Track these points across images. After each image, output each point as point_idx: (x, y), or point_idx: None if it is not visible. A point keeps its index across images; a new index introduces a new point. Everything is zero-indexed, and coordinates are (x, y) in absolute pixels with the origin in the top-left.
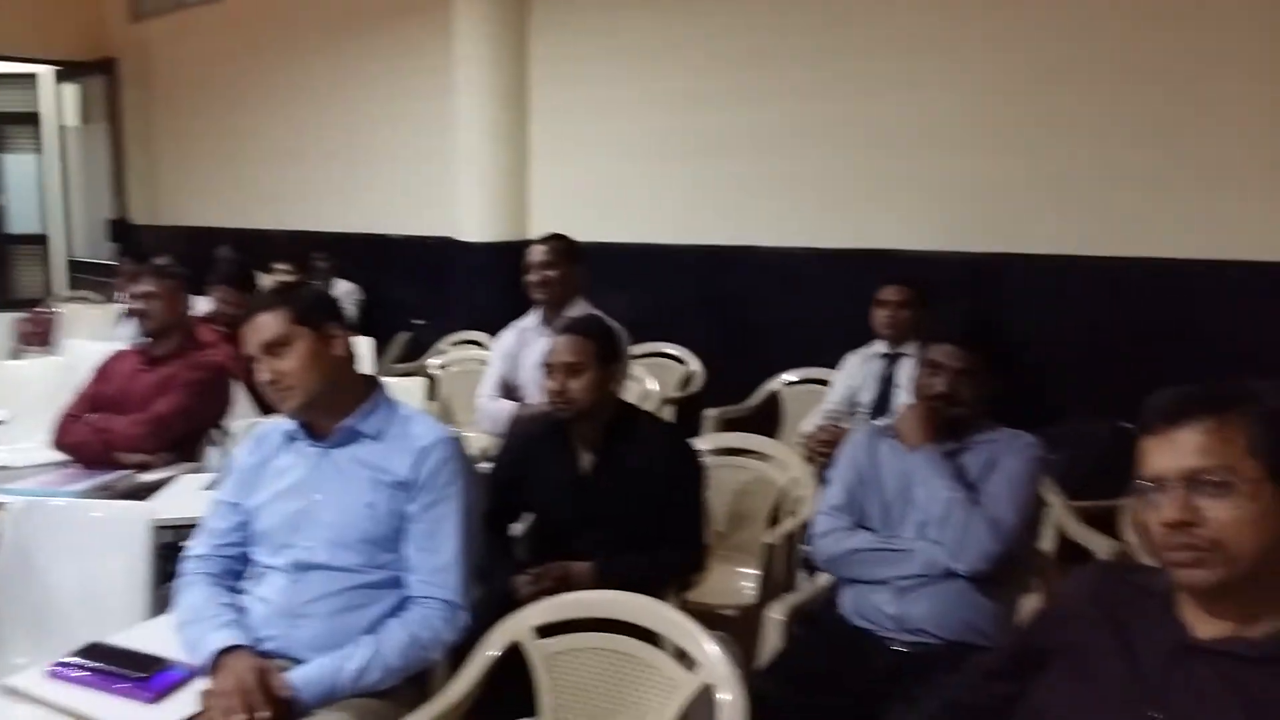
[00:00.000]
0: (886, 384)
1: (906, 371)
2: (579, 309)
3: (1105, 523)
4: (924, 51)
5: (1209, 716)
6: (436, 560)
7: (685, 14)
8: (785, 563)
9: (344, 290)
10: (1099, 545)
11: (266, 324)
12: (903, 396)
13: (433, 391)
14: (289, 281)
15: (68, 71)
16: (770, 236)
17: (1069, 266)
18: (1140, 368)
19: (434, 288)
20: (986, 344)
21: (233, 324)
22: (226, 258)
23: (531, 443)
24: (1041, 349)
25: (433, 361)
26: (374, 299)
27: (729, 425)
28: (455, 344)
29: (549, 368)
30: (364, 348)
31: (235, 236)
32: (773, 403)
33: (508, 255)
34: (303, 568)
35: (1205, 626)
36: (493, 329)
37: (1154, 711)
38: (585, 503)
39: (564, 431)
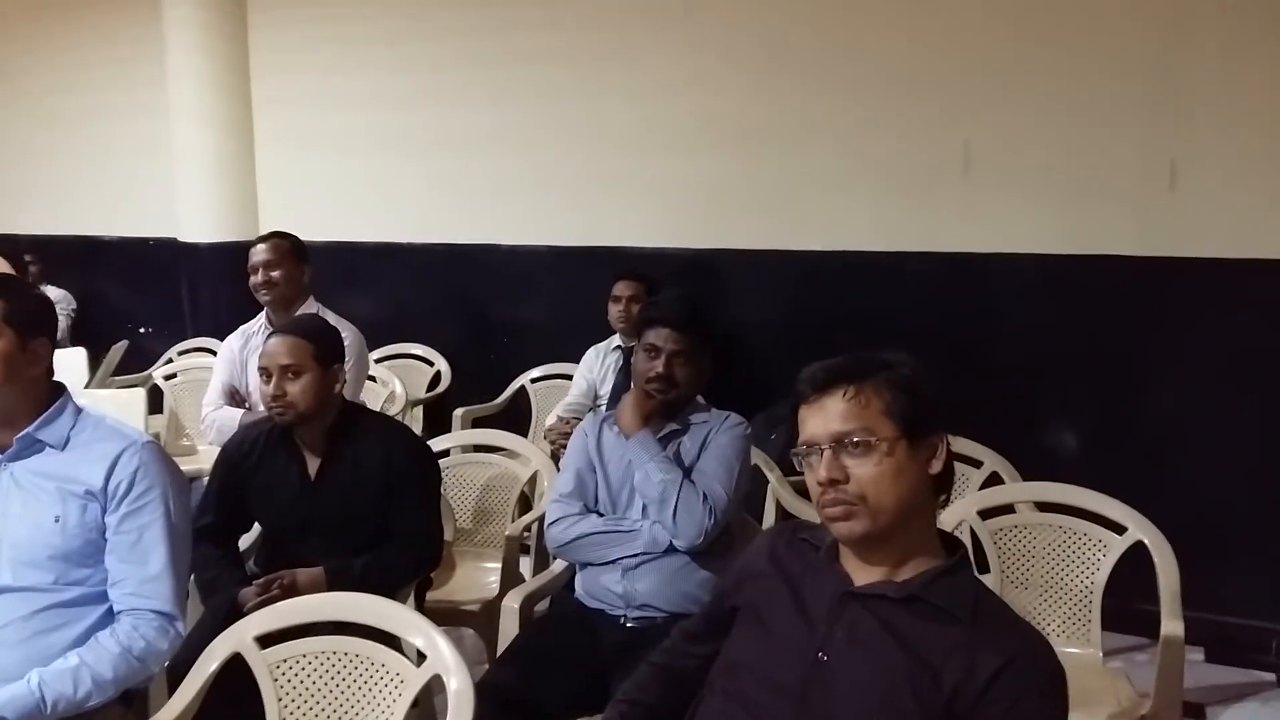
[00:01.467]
0: (624, 376)
1: None
2: (309, 310)
3: None
4: (647, 58)
5: (866, 653)
6: (144, 571)
7: (414, 7)
8: (539, 554)
9: (54, 298)
10: (812, 515)
11: None
12: None
13: (159, 404)
14: (8, 274)
15: None
16: (509, 235)
17: (776, 260)
18: (841, 350)
19: (158, 293)
20: (699, 326)
21: None
22: None
23: (252, 450)
24: (759, 337)
25: (158, 372)
26: (89, 306)
27: (480, 423)
28: (184, 352)
29: (264, 372)
30: (75, 360)
31: None
32: (521, 399)
33: (236, 255)
34: None
35: (862, 575)
36: (225, 335)
37: (822, 654)
38: (313, 508)
39: (287, 436)
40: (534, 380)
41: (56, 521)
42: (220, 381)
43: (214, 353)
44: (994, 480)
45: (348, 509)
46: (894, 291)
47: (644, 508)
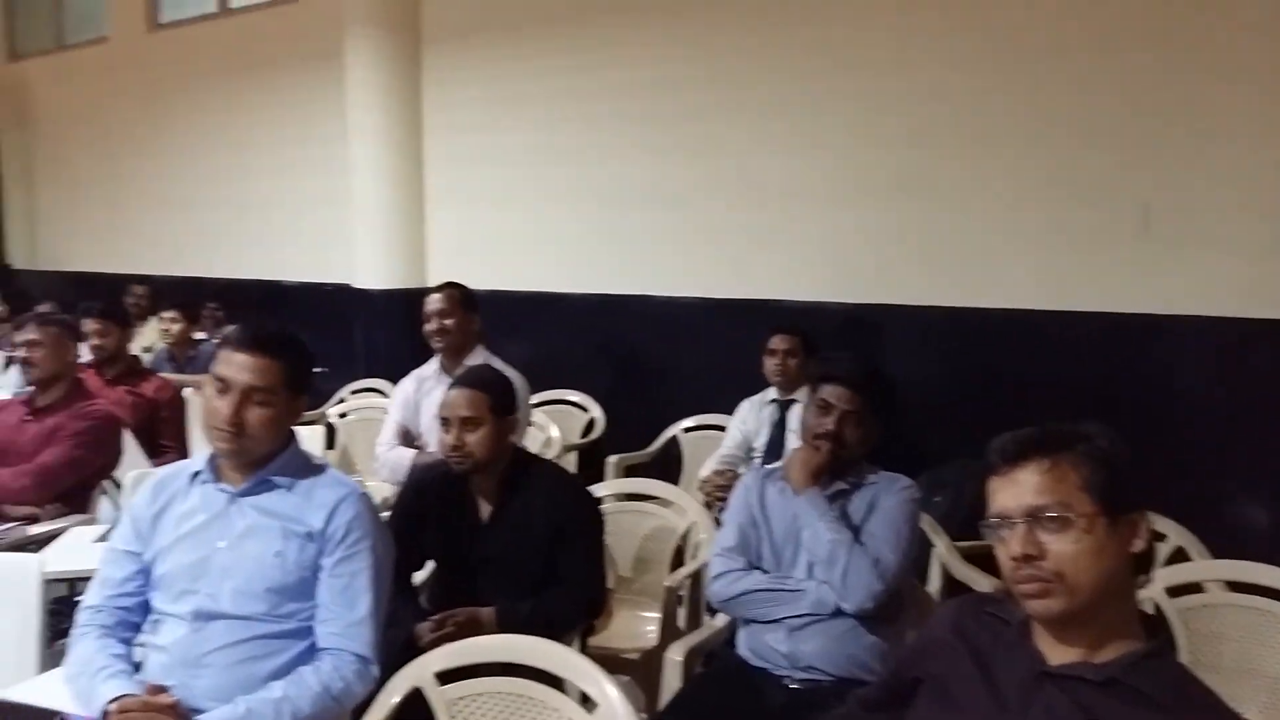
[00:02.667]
0: (779, 429)
1: (798, 417)
2: (478, 357)
3: (987, 561)
4: (803, 111)
5: None
6: (351, 615)
7: (576, 67)
8: (692, 605)
9: None
10: (981, 583)
11: (260, 369)
12: (795, 441)
13: (331, 440)
14: (281, 333)
15: None
16: (664, 286)
17: (936, 317)
18: (1010, 410)
19: (332, 335)
20: (875, 387)
21: (108, 361)
22: (141, 300)
23: (429, 492)
24: (918, 395)
25: (332, 410)
26: None
27: (631, 471)
28: (355, 392)
29: (445, 421)
30: None
31: (121, 283)
32: (673, 448)
33: (406, 302)
34: (204, 616)
35: (1057, 654)
36: (394, 376)
37: None
38: (485, 550)
39: (461, 481)
40: (686, 430)
41: (276, 556)
42: (394, 422)
43: (383, 393)
44: (1180, 556)
45: (516, 553)
46: (1062, 352)
47: (809, 566)
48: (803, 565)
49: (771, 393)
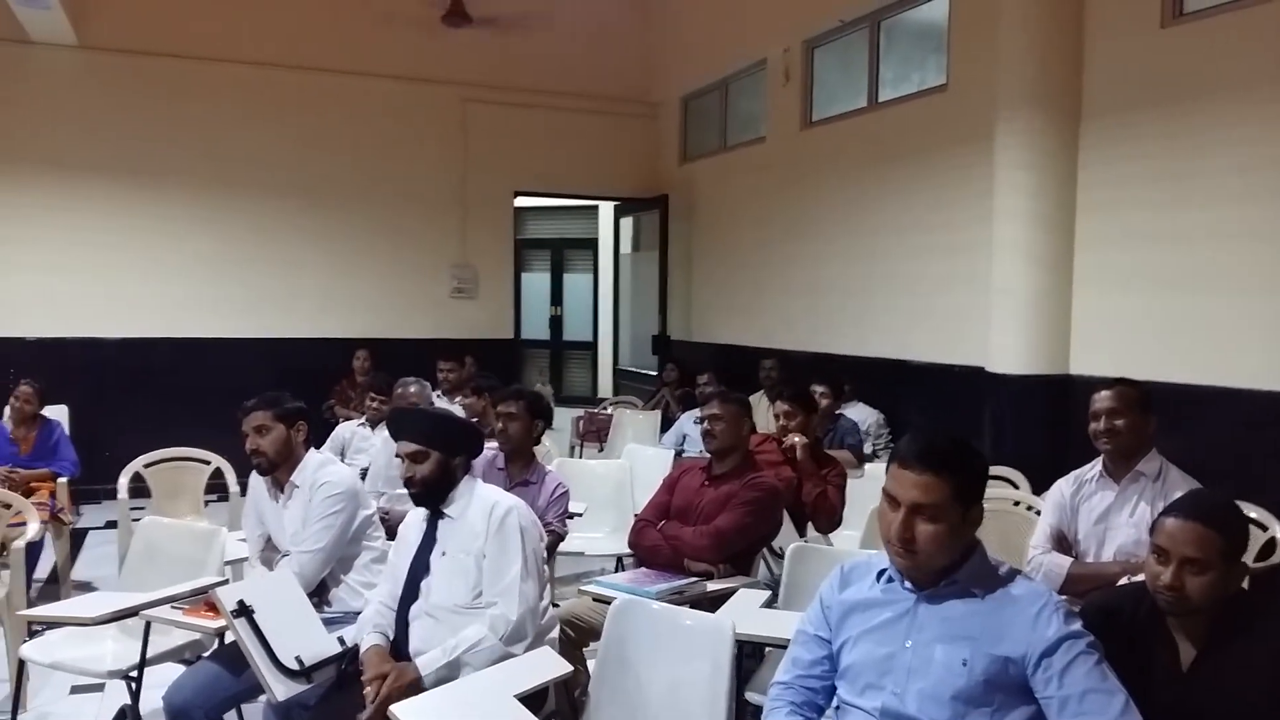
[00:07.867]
0: None
1: None
2: (1152, 463)
3: None
4: None
5: None
6: (1111, 710)
7: (1257, 134)
8: None
9: (864, 414)
10: None
11: (925, 486)
12: None
13: None
14: (950, 447)
15: (625, 206)
16: None
17: None
18: None
19: (958, 417)
20: None
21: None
22: (771, 373)
23: (1115, 619)
24: None
25: None
26: (894, 424)
27: None
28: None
29: (1161, 552)
30: None
31: (756, 355)
32: None
33: (1045, 389)
34: (891, 715)
35: None
36: (1025, 465)
37: None
38: (1183, 703)
39: (1157, 616)
40: None
41: (964, 665)
42: (1048, 525)
43: (1011, 483)
44: None
45: (1223, 712)
46: None
47: None
48: None
49: None
